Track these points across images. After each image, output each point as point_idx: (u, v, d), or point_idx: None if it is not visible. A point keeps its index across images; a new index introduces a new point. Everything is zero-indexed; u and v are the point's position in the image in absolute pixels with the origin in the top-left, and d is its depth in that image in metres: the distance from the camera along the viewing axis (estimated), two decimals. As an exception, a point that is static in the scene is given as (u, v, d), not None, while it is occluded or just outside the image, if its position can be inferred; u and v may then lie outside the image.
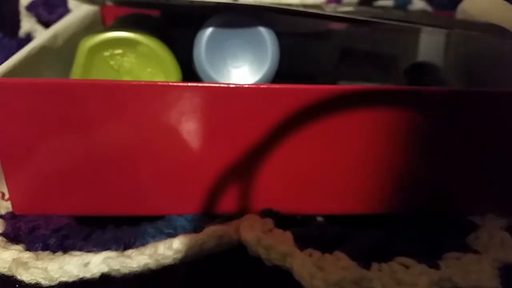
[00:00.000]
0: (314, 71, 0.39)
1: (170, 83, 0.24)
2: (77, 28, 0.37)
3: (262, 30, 0.27)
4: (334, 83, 0.37)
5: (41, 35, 0.32)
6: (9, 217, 0.27)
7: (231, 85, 0.24)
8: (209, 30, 0.27)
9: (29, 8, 0.45)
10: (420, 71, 0.37)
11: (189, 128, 0.25)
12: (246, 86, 0.25)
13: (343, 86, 0.25)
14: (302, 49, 0.37)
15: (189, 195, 0.27)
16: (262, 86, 0.25)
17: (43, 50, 0.31)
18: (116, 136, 0.25)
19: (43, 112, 0.24)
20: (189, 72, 0.29)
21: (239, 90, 0.24)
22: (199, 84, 0.24)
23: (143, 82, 0.24)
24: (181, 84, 0.24)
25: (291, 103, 0.25)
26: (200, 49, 0.27)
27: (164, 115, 0.25)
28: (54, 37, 0.33)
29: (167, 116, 0.25)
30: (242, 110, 0.25)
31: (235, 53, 0.28)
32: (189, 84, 0.24)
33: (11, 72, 0.26)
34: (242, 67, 0.28)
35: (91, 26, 0.40)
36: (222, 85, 0.24)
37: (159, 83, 0.24)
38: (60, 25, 0.35)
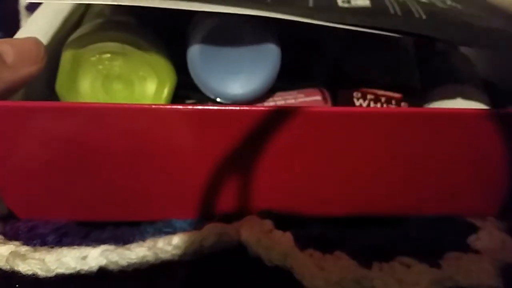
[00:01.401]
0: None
1: (159, 106, 0.24)
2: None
3: (263, 35, 0.27)
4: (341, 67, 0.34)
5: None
6: (6, 220, 0.27)
7: (222, 108, 0.24)
8: (204, 32, 0.27)
9: (29, 8, 0.45)
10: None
11: (183, 143, 0.25)
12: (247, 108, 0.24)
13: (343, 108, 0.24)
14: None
15: (187, 200, 0.27)
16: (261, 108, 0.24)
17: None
18: (113, 144, 0.25)
19: (40, 129, 0.24)
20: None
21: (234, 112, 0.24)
22: (190, 108, 0.24)
23: (133, 106, 0.24)
24: (170, 107, 0.24)
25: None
26: (195, 53, 0.27)
27: (159, 127, 0.24)
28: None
29: (162, 128, 0.24)
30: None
31: (233, 58, 0.27)
32: (180, 107, 0.24)
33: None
34: (240, 73, 0.27)
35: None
36: (214, 108, 0.24)
37: (148, 107, 0.24)
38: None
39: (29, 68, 0.24)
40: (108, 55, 0.27)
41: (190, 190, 0.26)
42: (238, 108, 0.24)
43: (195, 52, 0.27)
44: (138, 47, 0.27)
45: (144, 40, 0.27)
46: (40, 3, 0.34)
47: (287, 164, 0.26)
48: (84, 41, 0.27)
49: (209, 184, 0.26)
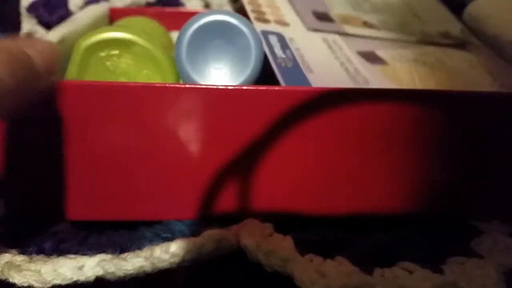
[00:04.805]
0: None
1: (167, 85, 0.24)
2: (86, 30, 0.36)
3: (247, 32, 0.27)
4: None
5: (49, 38, 0.31)
6: (4, 221, 0.27)
7: (229, 87, 0.24)
8: (192, 29, 0.27)
9: (30, 9, 0.45)
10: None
11: (186, 131, 0.25)
12: (245, 88, 0.24)
13: (338, 88, 0.24)
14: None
15: (187, 199, 0.27)
16: (260, 88, 0.24)
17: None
18: (112, 139, 0.25)
19: (38, 115, 0.24)
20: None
21: (237, 92, 0.24)
22: (196, 86, 0.24)
23: (139, 84, 0.24)
24: (177, 85, 0.24)
25: (288, 103, 0.24)
26: (181, 47, 0.27)
27: (160, 118, 0.24)
28: (62, 40, 0.32)
29: (163, 119, 0.24)
30: (240, 112, 0.24)
31: (218, 54, 0.27)
32: (186, 85, 0.24)
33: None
34: (223, 68, 0.27)
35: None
36: (220, 87, 0.24)
37: (156, 85, 0.24)
38: (68, 27, 0.34)
39: (51, 78, 0.22)
40: (117, 51, 0.28)
41: (190, 189, 0.26)
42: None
43: (182, 47, 0.27)
44: (146, 45, 0.28)
45: (152, 39, 0.28)
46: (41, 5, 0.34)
47: (288, 161, 0.26)
48: (96, 37, 0.28)
49: (210, 182, 0.26)
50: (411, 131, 0.25)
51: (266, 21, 0.34)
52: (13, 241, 0.25)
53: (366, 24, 0.38)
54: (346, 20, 0.38)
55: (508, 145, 0.26)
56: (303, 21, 0.36)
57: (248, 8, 0.34)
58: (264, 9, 0.35)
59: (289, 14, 0.36)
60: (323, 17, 0.37)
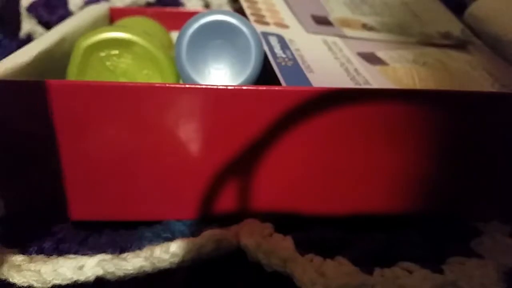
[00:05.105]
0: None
1: (167, 85, 0.24)
2: (86, 30, 0.36)
3: (247, 32, 0.27)
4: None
5: (48, 37, 0.31)
6: (4, 221, 0.27)
7: (229, 87, 0.24)
8: (192, 29, 0.27)
9: (30, 9, 0.45)
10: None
11: (186, 131, 0.25)
12: (245, 88, 0.24)
13: (338, 88, 0.24)
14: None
15: (187, 199, 0.27)
16: (260, 88, 0.24)
17: (51, 52, 0.30)
18: (112, 139, 0.25)
19: (39, 114, 0.24)
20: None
21: (238, 92, 0.24)
22: (196, 86, 0.24)
23: (139, 84, 0.24)
24: (177, 85, 0.24)
25: (288, 103, 0.24)
26: (181, 47, 0.27)
27: (160, 118, 0.24)
28: (62, 40, 0.32)
29: (163, 119, 0.24)
30: (241, 112, 0.24)
31: (218, 54, 0.27)
32: (186, 85, 0.24)
33: (16, 76, 0.25)
34: (223, 68, 0.27)
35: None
36: (220, 87, 0.24)
37: (156, 85, 0.24)
38: (68, 27, 0.34)
39: None
40: (117, 51, 0.28)
41: (190, 189, 0.26)
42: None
43: (182, 47, 0.27)
44: (146, 45, 0.28)
45: (152, 39, 0.28)
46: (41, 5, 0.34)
47: (288, 161, 0.26)
48: (96, 36, 0.28)
49: (210, 182, 0.26)
50: (411, 131, 0.25)
51: (265, 23, 0.34)
52: (13, 241, 0.25)
53: (365, 27, 0.38)
54: (345, 23, 0.38)
55: (508, 145, 0.26)
56: (302, 25, 0.36)
57: (248, 11, 0.34)
58: (264, 12, 0.35)
59: (288, 18, 0.36)
60: (322, 21, 0.37)
